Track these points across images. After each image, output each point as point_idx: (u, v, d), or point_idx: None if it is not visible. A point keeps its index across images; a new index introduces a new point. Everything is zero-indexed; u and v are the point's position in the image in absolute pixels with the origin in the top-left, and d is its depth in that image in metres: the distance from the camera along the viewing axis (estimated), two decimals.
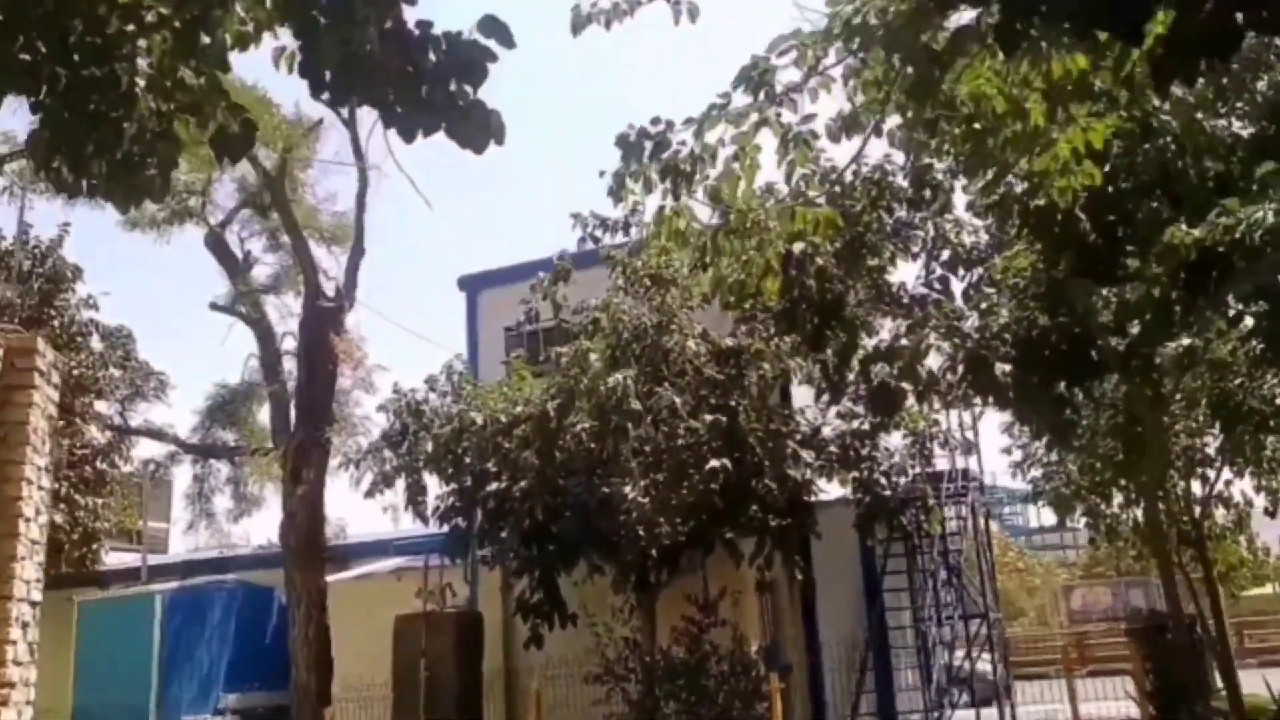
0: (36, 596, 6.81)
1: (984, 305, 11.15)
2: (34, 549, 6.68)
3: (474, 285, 19.33)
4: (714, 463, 11.11)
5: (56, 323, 19.68)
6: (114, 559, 24.48)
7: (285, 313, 17.66)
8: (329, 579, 15.55)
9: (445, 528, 13.77)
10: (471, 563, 14.65)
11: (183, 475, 23.53)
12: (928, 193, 9.86)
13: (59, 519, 20.77)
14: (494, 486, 13.17)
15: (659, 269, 11.25)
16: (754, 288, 10.07)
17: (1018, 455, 18.69)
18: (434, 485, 14.21)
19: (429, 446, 12.83)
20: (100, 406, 21.37)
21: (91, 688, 17.22)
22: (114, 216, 18.54)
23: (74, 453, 21.89)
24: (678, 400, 11.22)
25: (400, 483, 14.15)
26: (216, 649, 17.73)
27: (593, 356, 11.02)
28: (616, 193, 11.55)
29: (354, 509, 52.34)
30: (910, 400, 11.86)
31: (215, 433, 21.39)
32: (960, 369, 10.43)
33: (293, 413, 15.32)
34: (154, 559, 24.75)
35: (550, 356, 13.12)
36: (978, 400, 11.36)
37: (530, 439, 12.67)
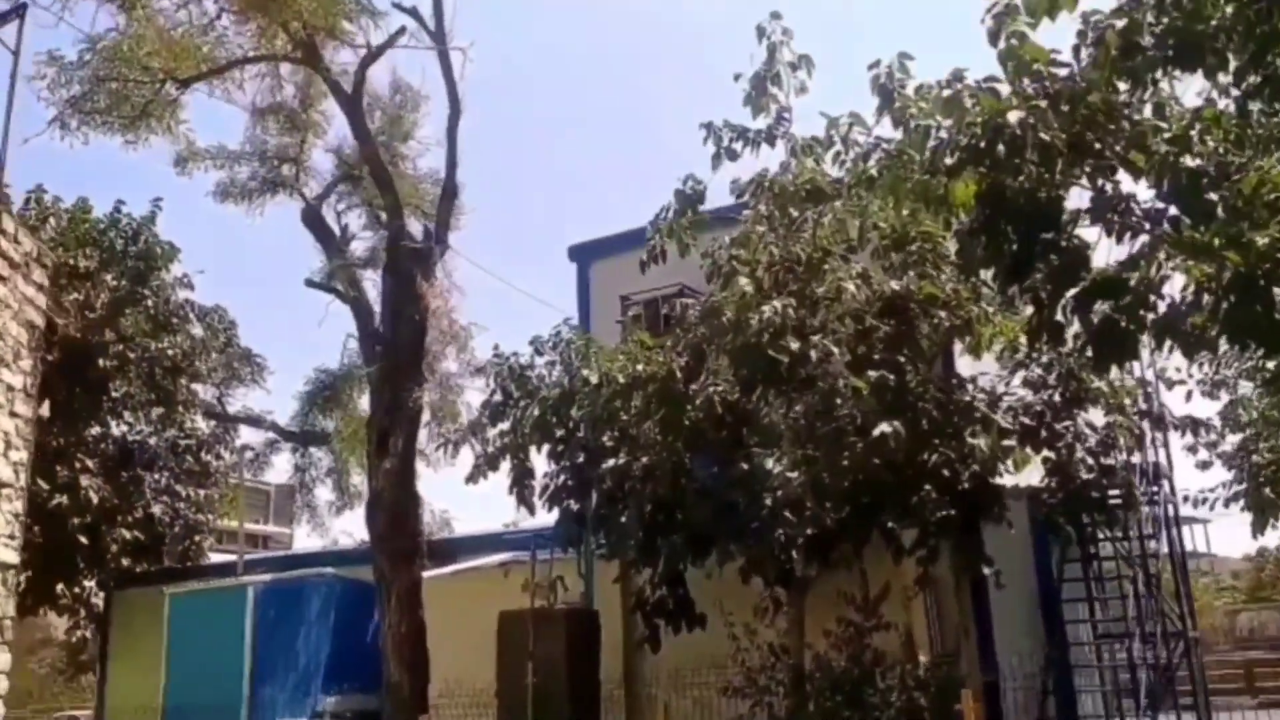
0: (10, 558, 5.13)
1: (1232, 230, 8.65)
2: (1, 494, 5.01)
3: (585, 255, 17.57)
4: (884, 427, 8.90)
5: (151, 303, 18.73)
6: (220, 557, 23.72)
7: None
8: (426, 575, 13.93)
9: (554, 511, 11.90)
10: (586, 553, 12.76)
11: (283, 465, 22.50)
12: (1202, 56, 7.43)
13: (158, 510, 19.96)
14: (610, 464, 11.28)
15: (815, 183, 9.08)
16: (941, 188, 7.88)
17: (1203, 454, 16.29)
18: (541, 467, 12.45)
19: (535, 413, 10.99)
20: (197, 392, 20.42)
21: (182, 684, 16.12)
22: (204, 185, 17.38)
23: (177, 444, 21.13)
24: (835, 351, 9.08)
25: (505, 464, 12.39)
26: (314, 647, 16.45)
27: (742, 280, 8.96)
28: (755, 101, 9.35)
29: (464, 508, 51.16)
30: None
31: (315, 420, 20.21)
32: (1210, 303, 7.94)
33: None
34: (257, 555, 23.88)
35: (676, 309, 11.14)
36: (1228, 349, 8.83)
37: (653, 406, 10.71)
